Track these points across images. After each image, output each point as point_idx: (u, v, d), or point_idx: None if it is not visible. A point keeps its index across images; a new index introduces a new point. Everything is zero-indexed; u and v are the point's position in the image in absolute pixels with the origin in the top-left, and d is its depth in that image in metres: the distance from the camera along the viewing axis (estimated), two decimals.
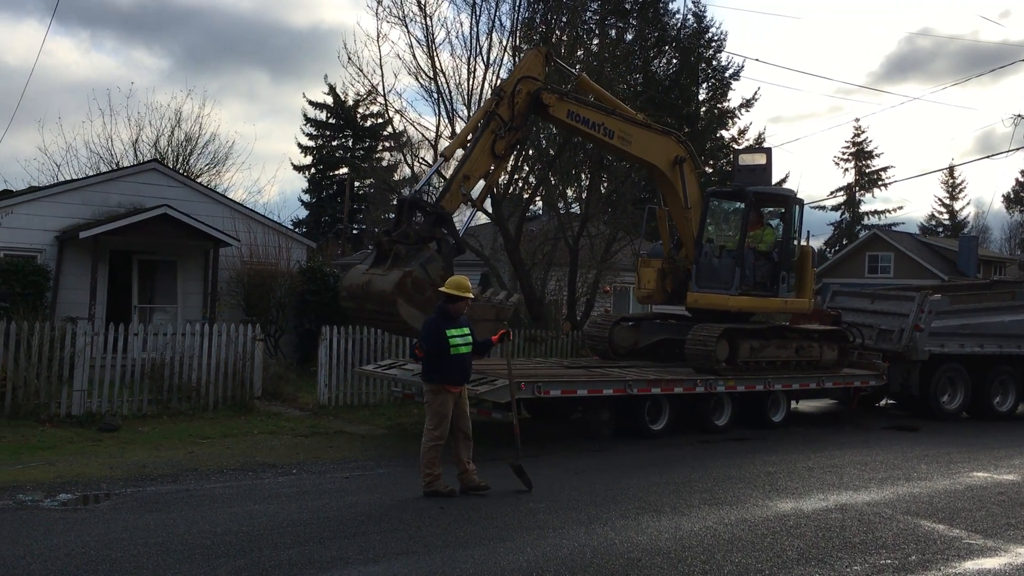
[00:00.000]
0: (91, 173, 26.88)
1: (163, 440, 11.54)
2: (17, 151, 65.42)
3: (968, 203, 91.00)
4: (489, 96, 12.92)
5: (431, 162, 14.21)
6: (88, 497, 8.52)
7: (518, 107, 12.28)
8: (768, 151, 16.49)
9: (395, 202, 12.12)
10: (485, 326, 11.18)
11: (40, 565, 6.25)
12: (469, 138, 12.59)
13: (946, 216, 69.00)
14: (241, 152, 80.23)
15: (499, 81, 21.06)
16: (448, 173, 14.05)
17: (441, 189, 13.16)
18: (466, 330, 9.17)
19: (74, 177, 26.04)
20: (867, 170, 64.60)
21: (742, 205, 15.14)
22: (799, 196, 15.65)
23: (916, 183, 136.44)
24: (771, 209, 15.53)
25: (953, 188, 68.64)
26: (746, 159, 16.02)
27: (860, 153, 64.64)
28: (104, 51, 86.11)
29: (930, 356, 16.77)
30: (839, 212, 65.23)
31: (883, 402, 18.77)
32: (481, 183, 12.81)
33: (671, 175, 14.30)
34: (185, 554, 6.60)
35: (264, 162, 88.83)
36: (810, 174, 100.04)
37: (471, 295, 9.32)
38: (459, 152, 12.65)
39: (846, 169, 65.29)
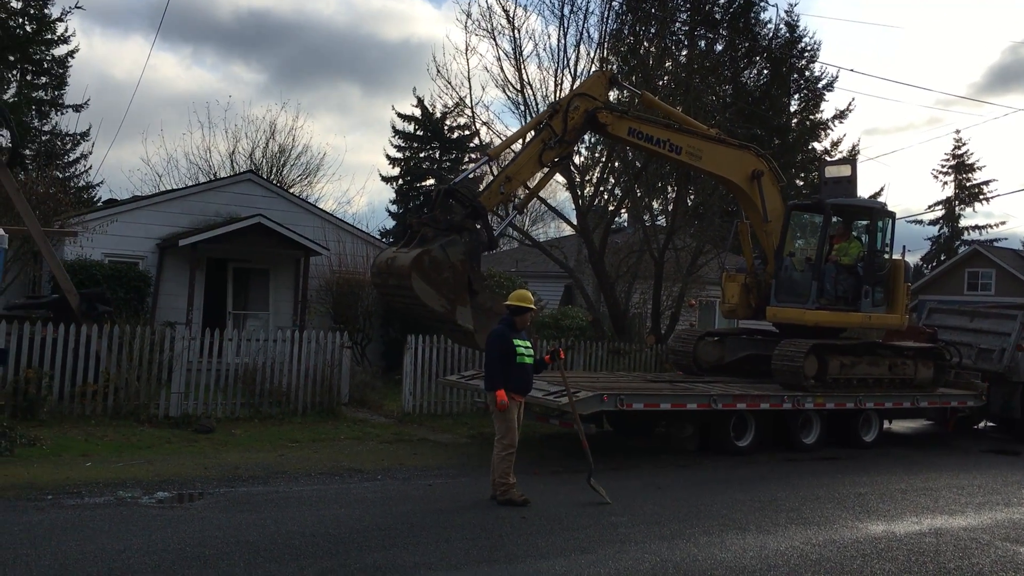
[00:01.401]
0: (190, 183, 27.95)
1: (254, 443, 11.88)
2: (122, 161, 68.31)
3: None
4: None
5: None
6: (183, 496, 8.83)
7: (573, 122, 12.34)
8: (853, 162, 16.11)
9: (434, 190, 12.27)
10: None
11: (138, 559, 6.51)
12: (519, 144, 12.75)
13: None
14: (332, 163, 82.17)
15: None
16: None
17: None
18: (529, 343, 9.34)
19: (174, 187, 27.14)
20: (967, 183, 62.13)
21: (837, 219, 14.89)
22: (889, 208, 15.19)
23: (1020, 197, 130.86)
24: (866, 222, 15.11)
25: None
26: (832, 171, 15.69)
27: (960, 166, 62.22)
28: (204, 66, 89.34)
29: None
30: (937, 227, 62.93)
31: (982, 424, 18.06)
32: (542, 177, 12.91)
33: (749, 189, 14.11)
34: (275, 554, 6.79)
35: (354, 173, 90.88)
36: (907, 187, 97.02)
37: (534, 308, 9.41)
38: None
39: (945, 183, 62.95)
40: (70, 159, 35.87)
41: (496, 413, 9.11)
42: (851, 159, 21.80)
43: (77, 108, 35.18)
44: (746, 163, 14.10)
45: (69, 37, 34.71)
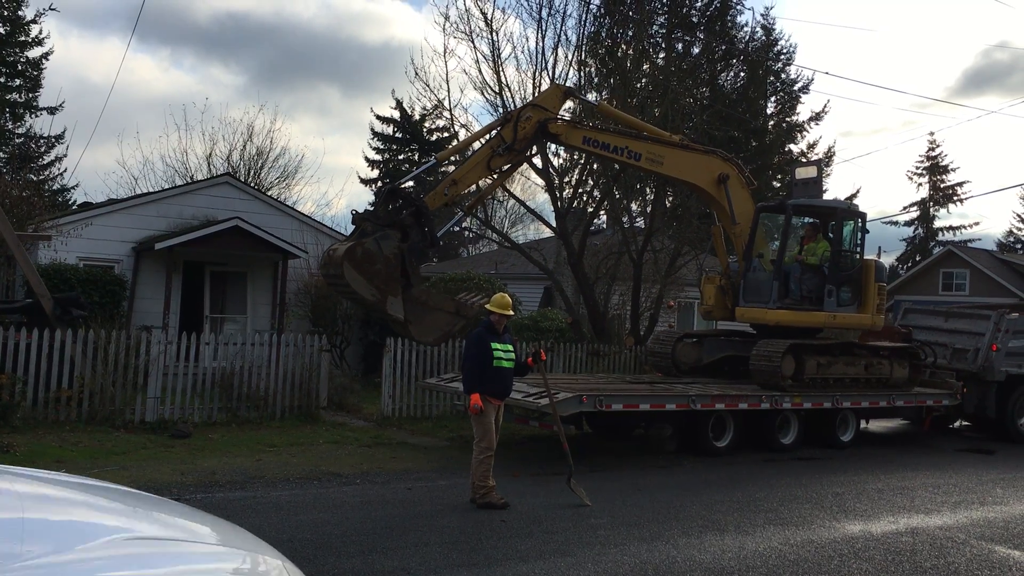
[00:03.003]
0: (167, 186, 27.72)
1: (232, 448, 11.79)
2: (98, 164, 67.71)
3: None
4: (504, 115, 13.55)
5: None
6: None
7: (523, 132, 12.63)
8: (819, 164, 16.42)
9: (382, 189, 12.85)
10: (441, 316, 11.88)
11: None
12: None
13: None
14: (310, 166, 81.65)
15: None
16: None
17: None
18: (510, 347, 9.35)
19: (150, 190, 26.89)
20: (942, 185, 62.79)
21: (808, 220, 15.07)
22: (856, 208, 15.28)
23: (994, 198, 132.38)
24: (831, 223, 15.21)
25: None
26: (801, 173, 15.91)
27: (935, 167, 62.85)
28: (183, 68, 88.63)
29: (1007, 377, 16.26)
30: (912, 228, 63.56)
31: (957, 424, 18.24)
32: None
33: (716, 193, 14.29)
34: None
35: (332, 176, 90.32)
36: (882, 189, 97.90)
37: (511, 312, 9.46)
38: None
39: (920, 184, 63.59)
40: (44, 162, 35.54)
41: (474, 416, 9.11)
42: (817, 161, 22.02)
43: (52, 111, 34.91)
44: (712, 167, 14.23)
45: (43, 39, 34.47)
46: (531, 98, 20.39)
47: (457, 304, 12.55)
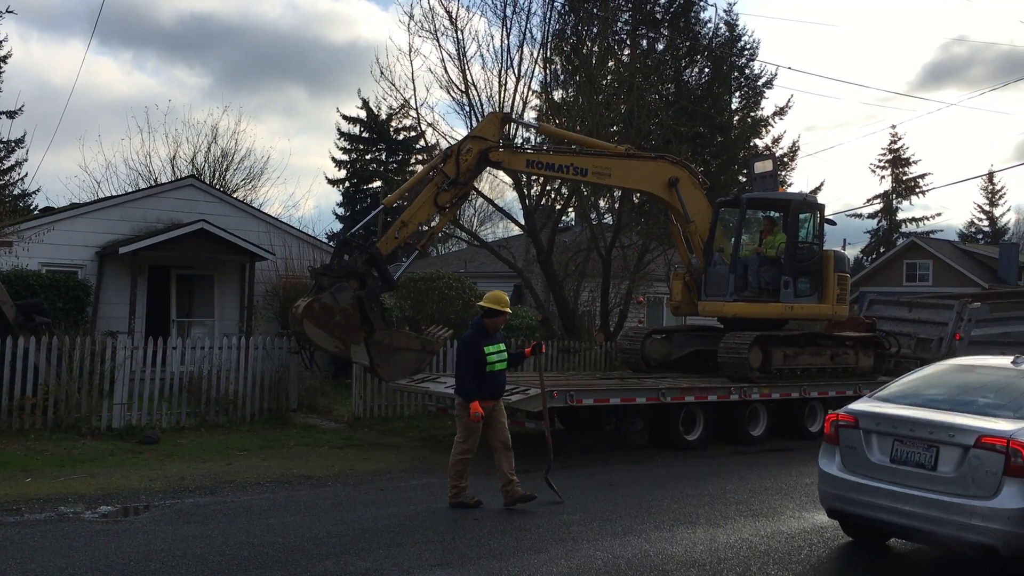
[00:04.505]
0: (130, 190, 27.33)
1: (201, 452, 11.69)
2: (59, 168, 66.79)
3: (1008, 209, 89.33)
4: (460, 142, 13.76)
5: None
6: (128, 509, 8.65)
7: (466, 164, 12.84)
8: (774, 157, 16.66)
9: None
10: (408, 355, 12.51)
11: None
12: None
13: (986, 223, 67.80)
14: (277, 167, 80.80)
15: (530, 93, 21.27)
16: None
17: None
18: (502, 346, 9.25)
19: (114, 194, 26.51)
20: (904, 177, 63.69)
21: (771, 213, 15.23)
22: (812, 200, 15.39)
23: (955, 190, 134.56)
24: (803, 215, 15.36)
25: (993, 194, 67.41)
26: (759, 167, 16.06)
27: (897, 160, 63.72)
28: (145, 71, 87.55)
29: None
30: (876, 220, 64.40)
31: None
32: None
33: (667, 196, 14.49)
34: (222, 565, 6.68)
35: (299, 176, 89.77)
36: (846, 182, 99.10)
37: (508, 310, 9.38)
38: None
39: (882, 177, 64.45)
40: (4, 167, 34.96)
41: (460, 418, 9.04)
42: (772, 155, 22.25)
43: (11, 114, 34.31)
44: (661, 172, 14.40)
45: (1, 42, 33.84)
46: (497, 96, 20.48)
47: (423, 341, 13.01)
